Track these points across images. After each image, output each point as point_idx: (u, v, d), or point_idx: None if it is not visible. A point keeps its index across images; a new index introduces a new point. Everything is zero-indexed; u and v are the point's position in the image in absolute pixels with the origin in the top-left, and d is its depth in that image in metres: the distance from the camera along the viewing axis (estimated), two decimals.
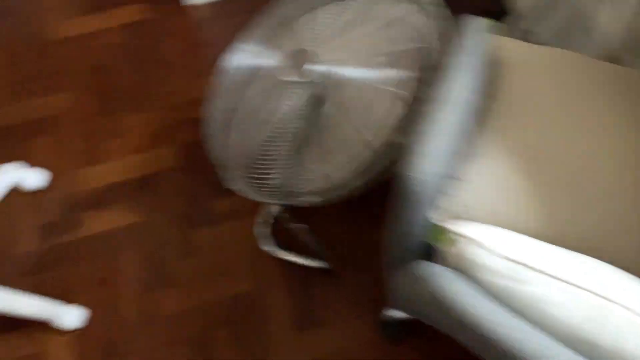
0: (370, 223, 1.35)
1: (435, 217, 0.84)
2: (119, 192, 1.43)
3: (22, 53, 1.61)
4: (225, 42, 1.58)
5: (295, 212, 1.31)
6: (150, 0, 1.65)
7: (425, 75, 0.94)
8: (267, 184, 1.07)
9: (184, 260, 1.35)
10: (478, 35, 0.89)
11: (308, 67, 1.05)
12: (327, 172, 1.01)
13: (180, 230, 1.38)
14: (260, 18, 1.25)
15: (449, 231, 0.74)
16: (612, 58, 1.21)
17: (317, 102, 1.06)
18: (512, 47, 1.03)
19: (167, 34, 1.60)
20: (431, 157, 0.77)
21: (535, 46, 1.07)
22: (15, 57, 1.60)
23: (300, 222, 1.32)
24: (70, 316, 1.27)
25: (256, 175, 1.10)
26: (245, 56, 1.23)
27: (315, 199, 1.03)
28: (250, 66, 1.23)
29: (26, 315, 1.25)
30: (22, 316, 1.25)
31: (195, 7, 1.63)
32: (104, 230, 1.39)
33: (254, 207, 1.35)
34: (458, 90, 0.83)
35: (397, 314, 1.13)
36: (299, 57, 1.08)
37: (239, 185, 1.15)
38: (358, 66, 1.01)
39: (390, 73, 0.98)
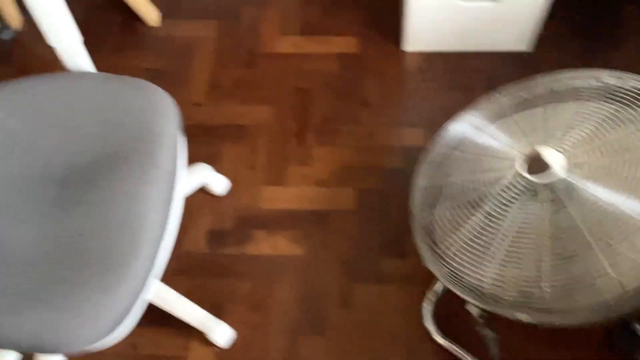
0: (552, 348, 1.22)
1: None
2: (291, 220, 1.41)
3: (232, 57, 1.64)
4: (432, 98, 1.52)
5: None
6: (368, 36, 1.62)
7: None
8: (473, 281, 0.99)
9: (339, 310, 1.30)
10: None
11: (551, 168, 0.95)
12: (549, 293, 0.90)
13: (342, 278, 1.33)
14: (497, 91, 1.17)
15: None
16: None
17: (551, 210, 0.96)
18: None
19: (375, 74, 1.56)
20: None
21: None
22: (225, 60, 1.64)
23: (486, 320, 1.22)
24: (219, 332, 1.25)
25: (461, 267, 1.01)
26: (470, 129, 1.16)
27: (528, 318, 0.92)
28: (471, 141, 1.15)
29: (179, 317, 1.26)
30: (176, 316, 1.26)
31: (410, 54, 1.58)
32: (267, 254, 1.37)
33: (427, 277, 1.26)
34: None
35: None
36: (540, 153, 0.98)
37: (434, 266, 1.07)
38: (615, 188, 0.89)
39: None
